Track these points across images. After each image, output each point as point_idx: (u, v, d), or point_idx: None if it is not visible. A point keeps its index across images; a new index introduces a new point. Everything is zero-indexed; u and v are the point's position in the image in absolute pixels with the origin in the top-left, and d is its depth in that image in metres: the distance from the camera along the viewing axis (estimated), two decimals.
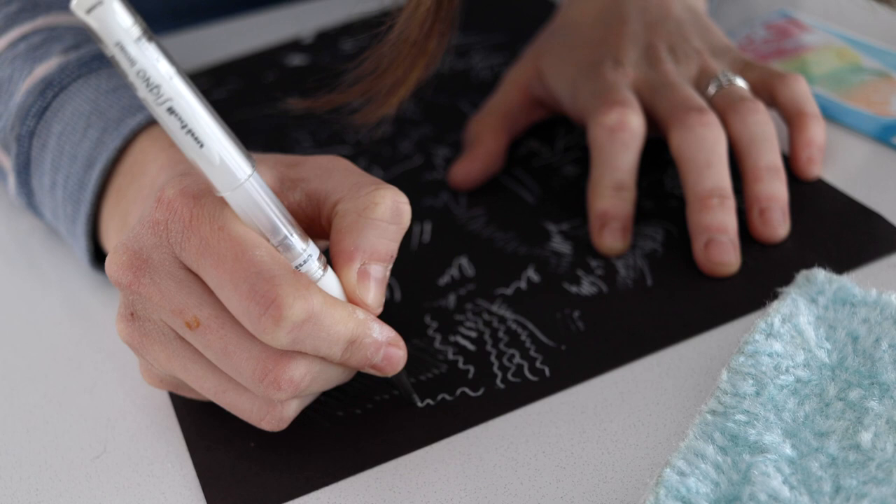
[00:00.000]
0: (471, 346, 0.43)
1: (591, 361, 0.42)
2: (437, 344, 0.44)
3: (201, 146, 0.32)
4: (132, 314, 0.37)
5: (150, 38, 0.30)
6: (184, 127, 0.32)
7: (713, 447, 0.36)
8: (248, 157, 0.34)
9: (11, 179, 0.50)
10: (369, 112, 0.47)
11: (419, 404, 0.41)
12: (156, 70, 0.31)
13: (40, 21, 0.52)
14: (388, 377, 0.39)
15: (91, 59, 0.49)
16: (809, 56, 0.58)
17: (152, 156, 0.44)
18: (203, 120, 0.32)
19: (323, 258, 0.36)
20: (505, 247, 0.49)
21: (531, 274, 0.47)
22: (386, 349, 0.37)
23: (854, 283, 0.42)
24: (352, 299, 0.37)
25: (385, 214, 0.37)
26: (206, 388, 0.37)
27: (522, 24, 0.64)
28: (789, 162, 0.49)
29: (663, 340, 0.42)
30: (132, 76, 0.31)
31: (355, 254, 0.37)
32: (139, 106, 0.47)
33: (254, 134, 0.60)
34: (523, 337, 0.43)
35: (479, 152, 0.53)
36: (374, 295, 0.37)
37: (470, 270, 0.48)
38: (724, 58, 0.52)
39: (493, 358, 0.42)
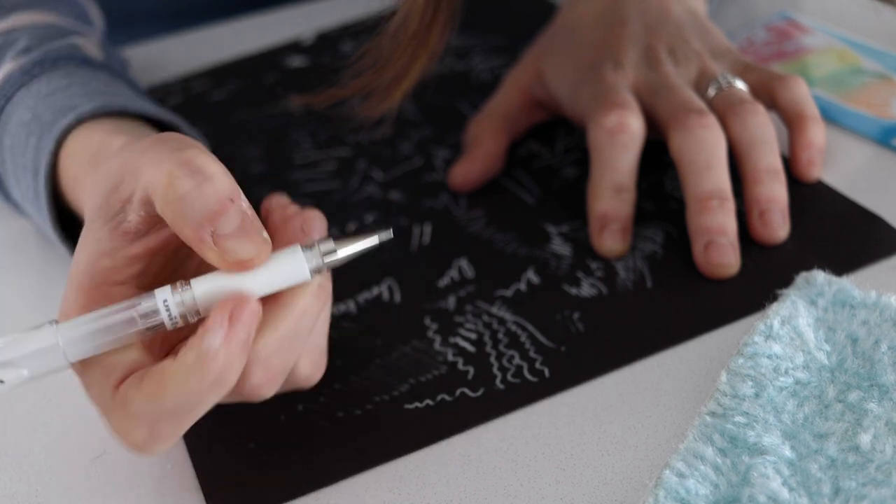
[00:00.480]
0: (470, 348, 0.43)
1: (591, 363, 0.42)
2: (436, 345, 0.44)
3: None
4: None
5: None
6: None
7: (712, 449, 0.36)
8: (39, 328, 0.34)
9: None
10: (371, 106, 0.46)
11: (391, 235, 0.36)
12: None
13: (1, 25, 0.52)
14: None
15: (32, 65, 0.49)
16: (810, 58, 0.58)
17: (81, 185, 0.43)
18: None
19: (179, 283, 0.34)
20: (505, 248, 0.49)
21: (531, 275, 0.47)
22: (238, 325, 0.33)
23: (854, 285, 0.42)
24: (232, 269, 0.34)
25: (183, 185, 0.34)
26: None
27: (522, 25, 0.64)
28: (789, 164, 0.49)
29: (663, 342, 0.42)
30: None
31: (196, 234, 0.33)
32: (72, 106, 0.46)
33: (253, 136, 0.60)
34: (523, 338, 0.43)
35: (479, 154, 0.53)
36: (240, 245, 0.33)
37: (470, 272, 0.48)
38: (724, 60, 0.52)
39: (492, 359, 0.42)
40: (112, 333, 0.34)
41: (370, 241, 0.36)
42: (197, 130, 0.51)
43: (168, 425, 0.33)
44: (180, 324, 0.34)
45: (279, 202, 0.39)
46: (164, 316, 0.34)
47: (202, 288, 0.34)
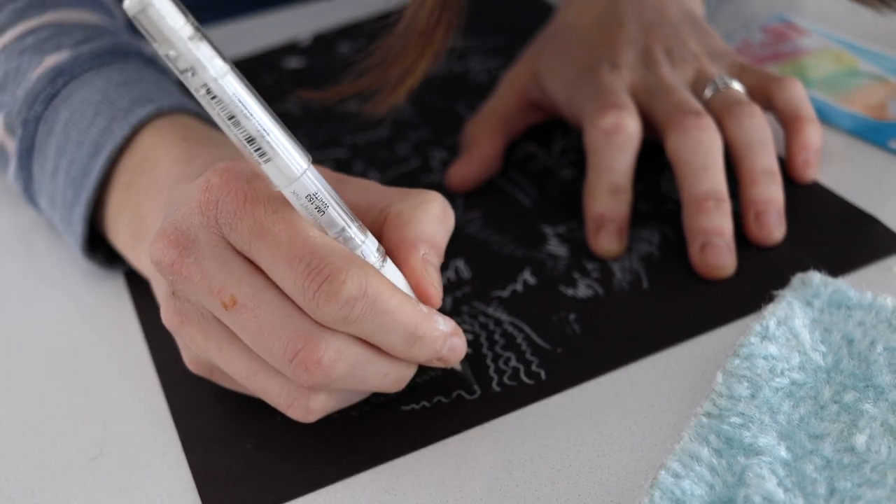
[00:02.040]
0: (467, 349, 0.43)
1: (587, 364, 0.42)
2: None
3: (252, 142, 0.32)
4: (173, 293, 0.37)
5: (202, 37, 0.31)
6: (235, 123, 0.32)
7: (708, 449, 0.36)
8: (304, 151, 0.34)
9: (13, 164, 0.50)
10: (376, 104, 0.47)
11: (477, 391, 0.41)
12: (208, 67, 0.31)
13: (48, 17, 0.52)
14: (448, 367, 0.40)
15: (103, 53, 0.50)
16: (806, 60, 0.58)
17: (164, 149, 0.45)
18: (255, 116, 0.32)
19: (382, 249, 0.37)
20: (501, 249, 0.49)
21: (527, 276, 0.47)
22: (451, 340, 0.37)
23: (849, 286, 0.42)
24: (418, 287, 0.37)
25: (438, 211, 0.38)
26: (238, 370, 0.37)
27: (520, 27, 0.65)
28: (786, 165, 0.49)
29: (659, 343, 0.42)
30: (183, 74, 0.31)
31: (417, 243, 0.37)
32: (150, 98, 0.48)
33: None
34: (519, 339, 0.43)
35: (476, 155, 0.53)
36: (433, 276, 0.38)
37: (466, 273, 0.48)
38: (721, 61, 0.52)
39: (489, 360, 0.42)
40: (320, 213, 0.35)
41: (463, 377, 0.42)
42: None
43: (349, 282, 0.34)
44: None
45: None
46: (351, 246, 0.36)
47: (390, 271, 0.37)
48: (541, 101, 0.54)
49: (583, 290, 0.45)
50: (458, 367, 0.40)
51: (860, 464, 0.35)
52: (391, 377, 0.38)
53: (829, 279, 0.42)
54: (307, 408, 0.37)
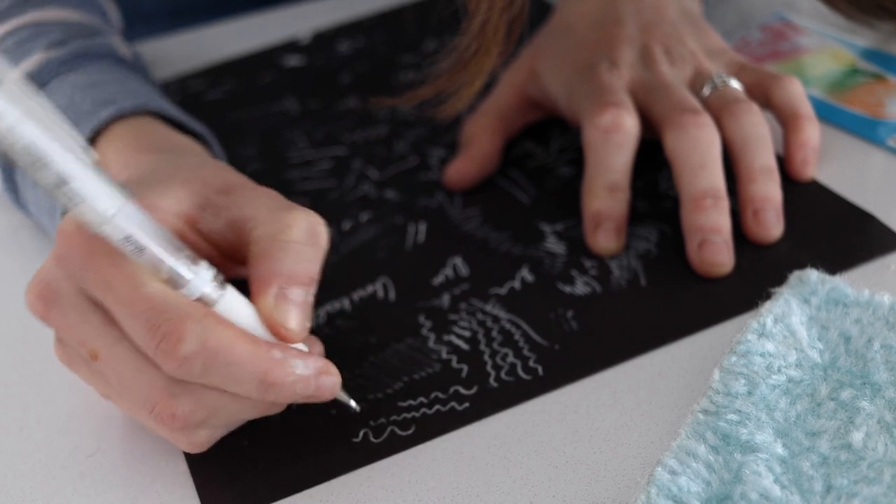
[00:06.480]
0: (464, 346, 0.43)
1: (584, 361, 0.42)
2: (430, 343, 0.44)
3: (58, 187, 0.32)
4: (59, 338, 0.38)
5: None
6: (37, 169, 0.32)
7: (705, 446, 0.36)
8: (120, 191, 0.33)
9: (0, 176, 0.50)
10: (449, 105, 0.47)
11: (358, 410, 0.40)
12: (4, 115, 0.30)
13: (29, 16, 0.52)
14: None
15: (72, 57, 0.50)
16: (804, 58, 0.58)
17: (113, 156, 0.45)
18: (57, 162, 0.32)
19: (220, 277, 0.36)
20: (499, 247, 0.49)
21: (525, 274, 0.47)
22: (316, 380, 0.36)
23: (847, 283, 0.42)
24: (271, 325, 0.36)
25: (300, 236, 0.36)
26: (124, 408, 0.38)
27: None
28: (784, 163, 0.49)
29: (656, 340, 0.42)
30: None
31: (271, 279, 0.36)
32: (112, 100, 0.47)
33: (249, 135, 0.60)
34: (517, 336, 0.43)
35: (475, 153, 0.53)
36: (295, 319, 0.36)
37: (464, 270, 0.48)
38: (719, 59, 0.52)
39: (486, 357, 0.42)
40: (139, 253, 0.34)
41: (340, 401, 0.39)
42: (219, 147, 0.52)
43: (187, 339, 0.33)
44: (192, 298, 0.35)
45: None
46: (180, 282, 0.35)
47: (230, 299, 0.36)
48: (539, 100, 0.54)
49: (580, 287, 0.45)
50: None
51: (857, 461, 0.35)
52: (261, 408, 0.37)
53: (827, 277, 0.42)
54: (191, 443, 0.37)
